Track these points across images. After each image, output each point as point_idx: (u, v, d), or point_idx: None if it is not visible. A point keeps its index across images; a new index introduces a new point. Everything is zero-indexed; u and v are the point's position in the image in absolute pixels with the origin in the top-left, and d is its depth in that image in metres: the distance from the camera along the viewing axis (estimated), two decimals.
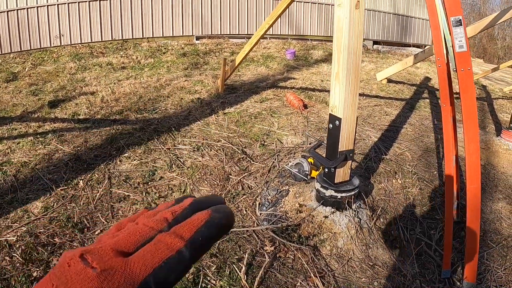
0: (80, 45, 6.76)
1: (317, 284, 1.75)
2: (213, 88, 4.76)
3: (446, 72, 2.00)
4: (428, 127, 4.16)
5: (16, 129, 3.47)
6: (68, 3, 6.50)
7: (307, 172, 2.54)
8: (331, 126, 2.10)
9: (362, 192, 2.48)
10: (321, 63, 7.06)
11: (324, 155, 2.24)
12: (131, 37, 7.22)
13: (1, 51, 6.00)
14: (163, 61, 6.29)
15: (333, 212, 2.16)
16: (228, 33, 8.13)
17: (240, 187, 2.61)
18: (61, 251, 1.99)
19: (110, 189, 2.53)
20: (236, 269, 1.82)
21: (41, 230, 2.15)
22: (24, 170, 2.77)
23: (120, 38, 7.12)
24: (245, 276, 1.78)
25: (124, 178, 2.66)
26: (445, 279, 1.90)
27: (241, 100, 4.39)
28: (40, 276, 1.84)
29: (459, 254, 2.09)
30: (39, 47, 6.40)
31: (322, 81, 5.63)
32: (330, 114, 2.10)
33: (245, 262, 1.84)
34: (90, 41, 6.83)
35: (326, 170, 2.19)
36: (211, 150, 3.08)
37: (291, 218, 2.24)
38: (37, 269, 1.88)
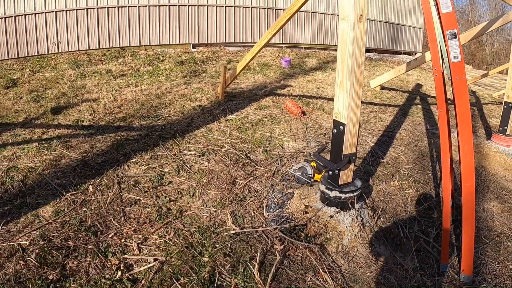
0: (78, 52, 6.83)
1: (326, 279, 1.86)
2: (213, 96, 4.88)
3: (442, 81, 2.16)
4: (421, 132, 4.33)
5: (20, 135, 3.51)
6: (66, 11, 6.58)
7: (310, 175, 2.66)
8: (335, 131, 2.23)
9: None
10: (316, 70, 7.24)
11: (328, 158, 2.37)
12: (128, 45, 7.31)
13: None
14: (161, 68, 6.39)
15: (338, 212, 2.28)
16: (224, 42, 8.29)
17: (247, 190, 2.71)
18: (76, 254, 2.05)
19: (121, 194, 2.61)
20: (250, 266, 1.92)
21: (54, 234, 2.19)
22: (31, 176, 2.82)
23: (118, 46, 7.20)
24: (258, 273, 1.88)
25: (133, 182, 2.74)
26: (444, 272, 2.04)
27: (241, 107, 4.51)
28: (57, 279, 1.88)
29: (456, 250, 2.23)
30: (36, 53, 6.44)
31: (318, 88, 5.79)
32: (334, 120, 2.23)
33: (257, 260, 1.94)
34: (87, 48, 6.90)
35: (331, 172, 2.31)
36: (216, 156, 3.18)
37: (297, 218, 2.35)
38: (53, 272, 1.90)
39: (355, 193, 2.30)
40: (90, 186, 2.69)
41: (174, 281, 1.84)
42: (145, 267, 1.92)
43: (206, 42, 8.09)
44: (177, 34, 7.72)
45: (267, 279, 1.85)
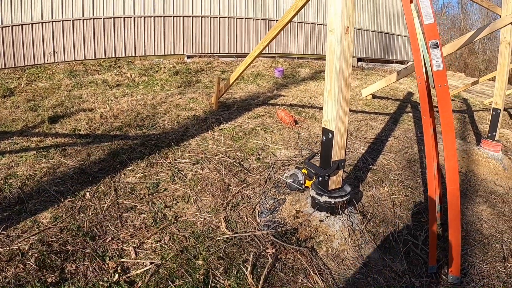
0: (74, 62, 6.91)
1: (316, 281, 1.94)
2: (207, 106, 4.97)
3: (425, 88, 2.28)
4: (411, 139, 4.45)
5: (18, 143, 3.56)
6: (63, 21, 6.67)
7: (301, 182, 2.75)
8: (324, 138, 2.32)
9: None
10: (309, 80, 7.38)
11: (318, 165, 2.46)
12: (124, 55, 7.41)
13: None
14: (156, 79, 6.48)
15: (328, 216, 2.36)
16: (218, 52, 8.43)
17: (240, 196, 2.79)
18: (74, 258, 2.10)
19: (117, 200, 2.67)
20: (243, 269, 1.99)
21: (52, 239, 2.25)
22: (29, 183, 2.87)
23: (113, 56, 7.30)
24: (251, 275, 1.95)
25: (129, 189, 2.80)
26: (432, 274, 2.12)
27: (235, 116, 4.60)
28: (56, 282, 1.95)
29: (444, 252, 2.31)
30: (33, 63, 6.51)
31: (310, 98, 5.92)
32: (323, 127, 2.32)
33: (250, 263, 2.02)
34: (83, 58, 6.99)
35: (320, 178, 2.40)
36: (210, 164, 3.26)
37: (289, 223, 2.43)
38: (52, 275, 1.96)
39: (345, 198, 2.39)
40: (88, 193, 2.75)
41: (170, 283, 1.90)
42: (142, 270, 1.98)
43: (201, 52, 8.22)
44: (172, 45, 7.85)
45: (260, 281, 1.92)
